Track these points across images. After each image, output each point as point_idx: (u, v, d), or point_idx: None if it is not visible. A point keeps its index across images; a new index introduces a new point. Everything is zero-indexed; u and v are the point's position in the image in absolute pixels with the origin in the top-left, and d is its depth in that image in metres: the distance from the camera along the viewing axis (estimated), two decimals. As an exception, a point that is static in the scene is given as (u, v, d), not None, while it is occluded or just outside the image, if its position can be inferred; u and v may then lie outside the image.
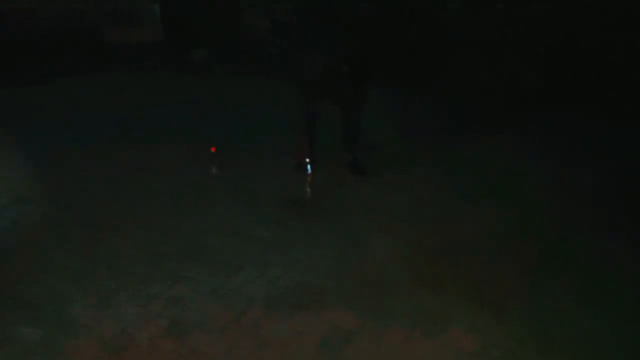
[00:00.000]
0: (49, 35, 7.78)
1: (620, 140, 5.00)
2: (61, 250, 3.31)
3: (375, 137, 4.93)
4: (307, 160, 4.14)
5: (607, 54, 5.56)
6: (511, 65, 6.01)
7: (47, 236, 3.48)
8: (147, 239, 3.43)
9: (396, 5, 6.44)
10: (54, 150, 4.89)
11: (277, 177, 4.29)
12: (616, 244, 3.33)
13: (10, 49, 7.40)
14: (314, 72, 4.13)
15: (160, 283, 2.97)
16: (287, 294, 2.87)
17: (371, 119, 4.56)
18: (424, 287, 2.93)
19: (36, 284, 2.98)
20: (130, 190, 4.11)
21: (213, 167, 4.40)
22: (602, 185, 4.19)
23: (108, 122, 5.66)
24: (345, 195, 4.03)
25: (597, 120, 5.30)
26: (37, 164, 4.61)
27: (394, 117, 5.68)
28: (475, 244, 3.35)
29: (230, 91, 6.82)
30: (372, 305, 2.78)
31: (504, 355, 2.45)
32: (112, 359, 2.45)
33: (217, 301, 2.83)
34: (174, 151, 4.87)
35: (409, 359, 2.44)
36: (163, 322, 2.68)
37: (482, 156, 4.75)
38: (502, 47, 6.01)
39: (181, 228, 3.56)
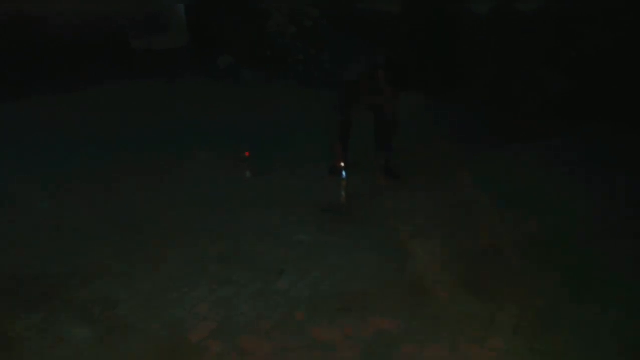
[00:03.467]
0: (75, 42, 7.89)
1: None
2: (106, 253, 3.38)
3: (405, 142, 4.93)
4: (342, 165, 4.17)
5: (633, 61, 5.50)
6: (539, 72, 5.98)
7: (91, 239, 3.55)
8: (189, 243, 3.48)
9: (423, 10, 6.45)
10: (88, 158, 4.98)
11: (313, 182, 4.32)
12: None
13: (34, 56, 7.52)
14: (349, 77, 4.16)
15: (205, 286, 3.02)
16: (330, 298, 2.90)
17: (401, 124, 4.57)
18: (467, 292, 2.93)
19: (83, 287, 3.04)
20: (169, 196, 4.17)
21: (247, 172, 4.45)
22: (634, 193, 4.14)
23: (139, 129, 5.73)
24: (381, 199, 4.05)
25: (628, 129, 5.25)
26: (74, 171, 4.70)
27: (423, 122, 5.69)
28: (515, 249, 3.34)
29: (257, 97, 6.88)
30: (416, 310, 2.79)
31: (553, 361, 2.45)
32: (163, 360, 2.49)
33: (262, 304, 2.86)
34: (210, 157, 4.92)
35: (457, 363, 2.46)
36: (210, 324, 2.72)
37: (512, 162, 4.73)
38: (529, 54, 5.99)
39: (221, 232, 3.60)
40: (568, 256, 3.26)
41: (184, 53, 8.69)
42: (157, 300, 2.92)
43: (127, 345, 2.60)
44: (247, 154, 4.48)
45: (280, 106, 6.46)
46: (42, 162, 4.89)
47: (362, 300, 2.88)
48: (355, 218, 3.79)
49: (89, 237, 3.58)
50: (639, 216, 3.77)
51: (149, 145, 5.23)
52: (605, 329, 2.64)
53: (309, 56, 7.41)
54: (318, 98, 4.64)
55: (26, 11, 7.66)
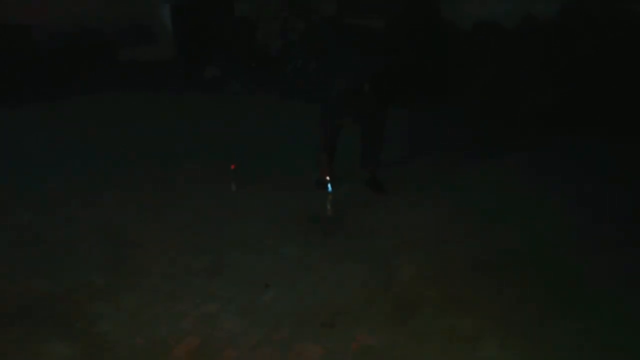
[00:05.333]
0: (60, 52, 7.82)
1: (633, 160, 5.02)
2: (88, 267, 3.33)
3: (391, 155, 4.94)
4: (328, 178, 4.17)
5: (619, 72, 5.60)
6: (526, 84, 6.05)
7: (73, 253, 3.50)
8: (173, 256, 3.45)
9: (411, 24, 6.50)
10: (71, 170, 4.93)
11: (299, 195, 4.30)
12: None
13: (19, 66, 7.44)
14: (337, 89, 4.16)
15: (189, 300, 2.98)
16: (316, 313, 2.88)
17: (386, 136, 4.58)
18: (452, 307, 2.93)
19: (64, 302, 3.00)
20: (153, 208, 4.13)
21: (233, 184, 4.43)
22: (617, 205, 4.17)
23: (124, 140, 5.69)
24: (367, 213, 4.04)
25: (613, 140, 5.32)
26: (56, 182, 4.65)
27: (411, 134, 5.72)
28: (500, 263, 3.35)
29: (244, 108, 6.87)
30: (402, 325, 2.78)
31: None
32: (146, 376, 2.46)
33: (247, 319, 2.83)
34: (195, 170, 4.88)
35: (443, 379, 2.45)
36: (194, 340, 2.68)
37: (497, 175, 4.76)
38: (516, 67, 6.07)
39: (206, 245, 3.57)
40: (554, 270, 3.27)
41: (171, 64, 8.65)
42: (140, 315, 2.88)
43: (109, 361, 2.56)
44: (232, 166, 4.46)
45: (267, 117, 6.46)
46: (24, 173, 4.83)
47: (348, 315, 2.87)
48: (341, 231, 3.78)
49: (71, 250, 3.53)
50: (628, 229, 3.79)
51: (133, 157, 5.18)
52: (590, 344, 2.65)
53: (297, 67, 7.42)
54: (305, 109, 4.63)
55: (10, 20, 7.60)
